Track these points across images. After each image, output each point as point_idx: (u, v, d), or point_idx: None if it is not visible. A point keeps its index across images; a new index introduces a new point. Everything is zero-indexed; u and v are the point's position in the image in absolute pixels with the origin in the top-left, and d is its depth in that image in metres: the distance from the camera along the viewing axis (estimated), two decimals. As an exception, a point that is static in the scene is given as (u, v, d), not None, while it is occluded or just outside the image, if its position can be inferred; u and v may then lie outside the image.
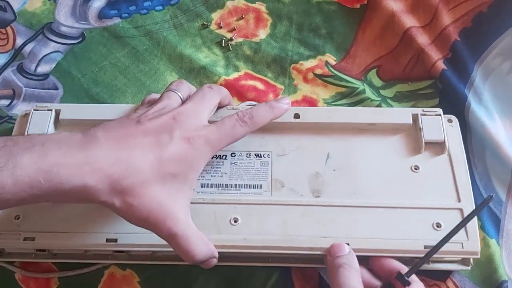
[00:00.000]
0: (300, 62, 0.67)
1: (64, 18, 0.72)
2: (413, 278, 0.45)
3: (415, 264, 0.45)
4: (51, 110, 0.56)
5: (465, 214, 0.49)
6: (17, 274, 0.54)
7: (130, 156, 0.43)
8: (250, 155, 0.54)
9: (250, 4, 0.72)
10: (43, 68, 0.68)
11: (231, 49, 0.68)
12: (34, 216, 0.50)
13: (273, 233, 0.49)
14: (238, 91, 0.64)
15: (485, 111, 0.60)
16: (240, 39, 0.69)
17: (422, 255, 0.46)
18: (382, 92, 0.64)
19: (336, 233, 0.49)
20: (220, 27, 0.71)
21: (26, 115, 0.57)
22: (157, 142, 0.44)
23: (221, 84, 0.64)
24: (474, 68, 0.64)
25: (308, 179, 0.52)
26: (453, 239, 0.44)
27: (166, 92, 0.51)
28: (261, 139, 0.55)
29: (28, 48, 0.69)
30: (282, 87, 0.65)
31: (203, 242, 0.45)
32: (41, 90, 0.66)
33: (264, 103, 0.52)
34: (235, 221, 0.50)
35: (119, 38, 0.70)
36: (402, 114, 0.55)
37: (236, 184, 0.52)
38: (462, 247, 0.47)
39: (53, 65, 0.68)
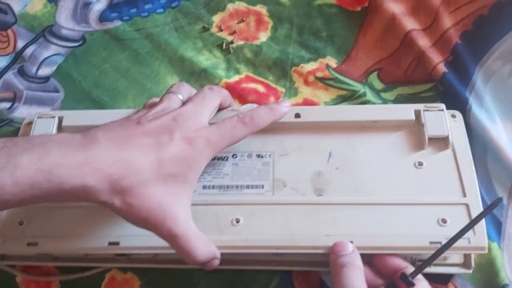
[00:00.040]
0: (301, 65, 0.67)
1: (65, 21, 0.72)
2: (418, 277, 0.45)
3: (420, 265, 0.45)
4: (54, 117, 0.56)
5: (471, 209, 0.48)
6: (18, 278, 0.54)
7: (130, 156, 0.43)
8: (251, 155, 0.54)
9: (251, 7, 0.73)
10: (44, 71, 0.68)
11: (232, 52, 0.68)
12: (38, 221, 0.51)
13: (276, 233, 0.49)
14: (239, 94, 0.64)
15: (486, 114, 0.60)
16: (241, 42, 0.69)
17: (428, 252, 0.45)
18: (383, 95, 0.64)
19: (340, 231, 0.48)
20: (221, 30, 0.71)
21: (30, 123, 0.57)
22: (157, 143, 0.44)
23: (222, 87, 0.64)
24: (475, 71, 0.64)
25: (310, 178, 0.52)
26: None
27: (166, 94, 0.51)
28: (262, 139, 0.55)
29: (29, 50, 0.70)
30: (283, 90, 0.65)
31: (205, 243, 0.45)
32: (42, 93, 0.66)
33: (265, 105, 0.52)
34: (237, 222, 0.49)
35: (120, 41, 0.70)
36: (404, 110, 0.55)
37: (237, 185, 0.52)
38: (469, 243, 0.46)
39: (54, 68, 0.68)
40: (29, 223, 0.51)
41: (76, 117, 0.57)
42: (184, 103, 0.50)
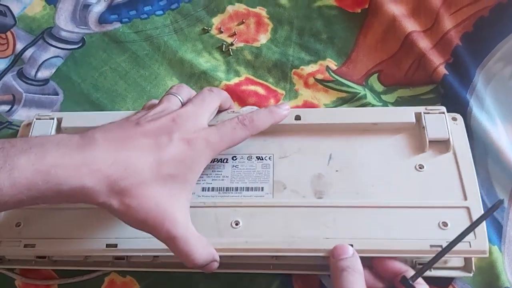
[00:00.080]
0: (301, 67, 0.66)
1: (64, 23, 0.72)
2: (418, 280, 0.45)
3: (420, 268, 0.45)
4: (53, 119, 0.56)
5: (472, 212, 0.48)
6: (17, 281, 0.54)
7: (129, 157, 0.42)
8: (251, 158, 0.54)
9: (250, 9, 0.72)
10: (43, 73, 0.68)
11: (231, 54, 0.68)
12: (35, 223, 0.50)
13: (275, 236, 0.48)
14: (239, 96, 0.64)
15: (487, 116, 0.60)
16: (241, 44, 0.69)
17: (428, 255, 0.45)
18: (383, 97, 0.64)
19: (340, 234, 0.48)
20: (221, 32, 0.71)
21: (29, 124, 0.57)
22: (156, 144, 0.44)
23: (222, 89, 0.64)
24: (476, 73, 0.63)
25: (310, 181, 0.52)
26: None
27: (166, 96, 0.51)
28: (262, 141, 0.54)
29: (28, 53, 0.69)
30: (283, 92, 0.65)
31: (204, 245, 0.44)
32: (41, 96, 0.66)
33: (264, 108, 0.52)
34: (237, 224, 0.49)
35: (119, 43, 0.70)
36: (405, 113, 0.54)
37: (237, 187, 0.52)
38: (470, 246, 0.46)
39: (53, 70, 0.68)
40: (27, 224, 0.50)
41: (75, 118, 0.57)
42: (183, 104, 0.50)
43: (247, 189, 0.52)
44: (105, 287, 0.53)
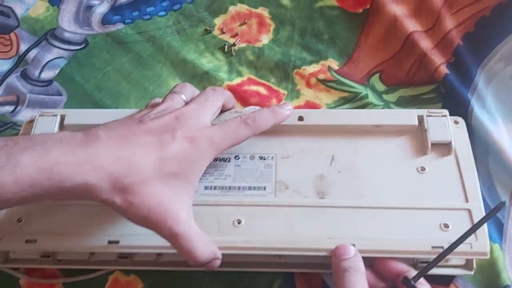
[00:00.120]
0: (303, 67, 0.67)
1: (68, 24, 0.72)
2: (420, 281, 0.45)
3: (422, 268, 0.45)
4: (56, 115, 0.56)
5: (473, 215, 0.48)
6: (21, 280, 0.54)
7: (132, 154, 0.42)
8: (254, 157, 0.54)
9: (252, 10, 0.73)
10: (47, 74, 0.68)
11: (234, 54, 0.69)
12: (37, 219, 0.50)
13: (277, 234, 0.48)
14: (241, 96, 0.64)
15: (488, 116, 0.60)
16: (243, 44, 0.69)
17: (430, 256, 0.45)
18: (385, 96, 0.64)
19: (342, 234, 0.48)
20: (223, 33, 0.71)
21: (32, 121, 0.57)
22: (159, 142, 0.44)
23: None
24: (477, 73, 0.64)
25: (312, 181, 0.52)
26: None
27: (169, 94, 0.51)
28: (265, 142, 0.55)
29: (31, 54, 0.70)
30: (285, 92, 0.65)
31: (206, 243, 0.44)
32: (45, 96, 0.66)
33: (267, 108, 0.52)
34: (239, 223, 0.49)
35: (122, 44, 0.70)
36: (407, 115, 0.55)
37: (239, 186, 0.52)
38: (471, 248, 0.46)
39: (57, 71, 0.68)
40: (28, 220, 0.50)
41: (78, 115, 0.57)
42: (187, 103, 0.50)
43: (250, 188, 0.52)
44: (109, 285, 0.54)
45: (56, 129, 0.56)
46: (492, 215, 0.44)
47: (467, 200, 0.50)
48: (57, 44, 0.70)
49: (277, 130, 0.53)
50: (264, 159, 0.54)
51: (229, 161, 0.54)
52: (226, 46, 0.69)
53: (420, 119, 0.54)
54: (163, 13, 0.73)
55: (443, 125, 0.53)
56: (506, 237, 0.54)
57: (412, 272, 0.46)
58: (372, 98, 0.63)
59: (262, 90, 0.65)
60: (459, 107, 0.60)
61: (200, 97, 0.50)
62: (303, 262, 0.52)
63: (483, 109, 0.61)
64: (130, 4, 0.74)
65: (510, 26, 0.66)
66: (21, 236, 0.49)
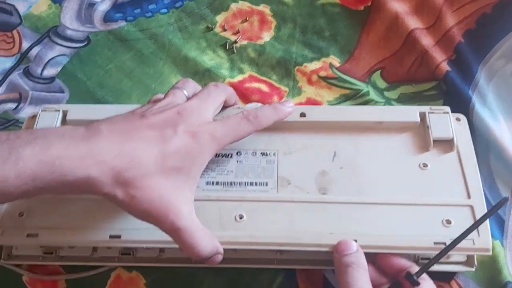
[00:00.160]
0: (304, 64, 0.67)
1: (70, 22, 0.72)
2: (423, 276, 0.45)
3: (425, 264, 0.45)
4: (58, 111, 0.56)
5: (476, 211, 0.48)
6: (24, 277, 0.54)
7: (134, 149, 0.42)
8: (256, 153, 0.54)
9: (254, 7, 0.73)
10: (49, 72, 0.68)
11: (235, 51, 0.69)
12: (38, 213, 0.50)
13: (279, 230, 0.48)
14: (242, 94, 0.64)
15: (490, 113, 0.61)
16: (245, 42, 0.70)
17: (432, 252, 0.45)
18: (386, 93, 0.64)
19: (344, 229, 0.48)
20: (225, 30, 0.71)
21: (34, 116, 0.57)
22: (161, 136, 0.44)
23: (226, 85, 0.64)
24: (478, 70, 0.64)
25: (314, 177, 0.52)
26: None
27: (171, 90, 0.51)
28: (267, 138, 0.55)
29: (34, 51, 0.70)
30: (287, 89, 0.65)
31: (208, 238, 0.44)
32: (47, 93, 0.66)
33: (269, 104, 0.52)
34: (241, 218, 0.49)
35: (124, 41, 0.71)
36: (409, 112, 0.55)
37: (241, 182, 0.52)
38: (473, 244, 0.46)
39: (59, 69, 0.68)
40: (30, 214, 0.50)
41: (80, 111, 0.57)
42: (189, 99, 0.50)
43: (252, 184, 0.52)
44: (111, 282, 0.54)
45: (58, 124, 0.55)
46: (495, 210, 0.44)
47: (469, 197, 0.50)
48: (59, 41, 0.71)
49: (279, 127, 0.53)
50: (266, 155, 0.54)
51: (231, 157, 0.54)
52: (227, 44, 0.69)
53: (422, 116, 0.54)
54: (165, 10, 0.73)
55: (445, 121, 0.53)
56: (507, 234, 0.54)
57: (415, 268, 0.46)
58: (373, 95, 0.63)
59: (264, 87, 0.65)
60: (460, 104, 0.60)
61: (202, 93, 0.50)
62: (305, 258, 0.52)
63: (484, 106, 0.61)
64: (132, 1, 0.74)
65: (511, 23, 0.66)
66: (22, 230, 0.49)
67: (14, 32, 0.72)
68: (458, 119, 0.55)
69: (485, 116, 0.60)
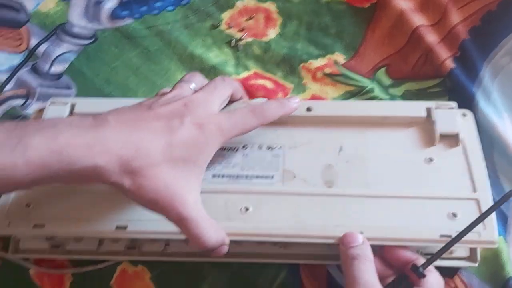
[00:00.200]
0: (310, 61, 0.67)
1: (77, 19, 0.73)
2: (429, 268, 0.45)
3: (431, 256, 0.45)
4: (66, 104, 0.57)
5: (482, 205, 0.48)
6: (31, 270, 0.55)
7: (140, 139, 0.43)
8: (261, 147, 0.54)
9: (260, 4, 0.73)
10: (57, 68, 0.69)
11: (241, 48, 0.69)
12: (45, 204, 0.51)
13: (285, 222, 0.49)
14: (247, 90, 0.64)
15: (494, 110, 0.61)
16: (250, 39, 0.70)
17: (437, 244, 0.45)
18: (391, 90, 0.64)
19: (349, 222, 0.48)
20: (230, 27, 0.71)
21: (42, 110, 0.57)
22: (167, 127, 0.44)
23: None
24: (483, 67, 0.64)
25: (320, 170, 0.52)
26: None
27: (178, 83, 0.51)
28: (273, 132, 0.55)
29: (42, 48, 0.71)
30: (292, 86, 0.66)
31: (214, 228, 0.44)
32: (54, 90, 0.67)
33: (275, 99, 0.52)
34: (246, 210, 0.49)
35: (131, 38, 0.71)
36: (415, 107, 0.55)
37: (247, 175, 0.52)
38: (479, 237, 0.46)
39: (66, 65, 0.69)
40: (37, 205, 0.51)
41: (88, 104, 0.57)
42: (196, 92, 0.50)
43: (257, 176, 0.52)
44: (117, 276, 0.54)
45: None
46: (502, 202, 0.44)
47: (475, 190, 0.50)
48: (67, 38, 0.71)
49: (285, 121, 0.54)
50: (272, 149, 0.54)
51: (237, 150, 0.54)
52: (233, 41, 0.70)
53: (428, 111, 0.54)
54: (171, 8, 0.74)
55: (451, 117, 0.54)
56: (511, 229, 0.54)
57: (421, 260, 0.46)
58: (378, 92, 0.63)
59: (269, 84, 0.66)
60: (464, 101, 0.60)
61: (209, 86, 0.50)
62: (309, 253, 0.52)
63: (489, 103, 0.61)
64: (138, -1, 0.74)
65: (517, 21, 0.66)
66: (29, 221, 0.50)
67: (23, 29, 0.73)
68: (464, 115, 0.55)
69: (489, 113, 0.60)
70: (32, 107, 0.66)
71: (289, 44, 0.69)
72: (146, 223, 0.48)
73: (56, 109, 0.57)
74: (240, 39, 0.70)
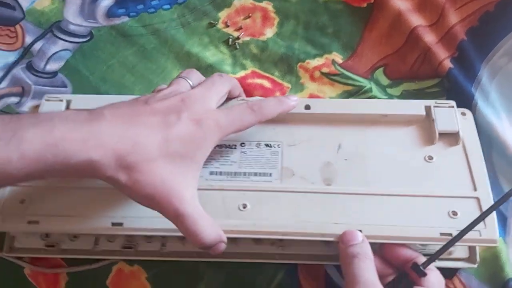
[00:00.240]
0: (307, 60, 0.67)
1: (73, 17, 0.72)
2: (429, 266, 0.45)
3: (432, 255, 0.45)
4: (61, 100, 0.56)
5: (482, 203, 0.48)
6: (26, 269, 0.54)
7: (137, 134, 0.42)
8: (260, 145, 0.54)
9: (257, 3, 0.73)
10: (52, 66, 0.68)
11: (238, 47, 0.69)
12: (40, 201, 0.50)
13: (283, 219, 0.48)
14: (245, 90, 0.63)
15: (492, 110, 0.61)
16: (247, 38, 0.70)
17: (438, 243, 0.45)
18: (388, 90, 0.64)
19: (348, 220, 0.48)
20: (227, 26, 0.71)
21: (37, 106, 0.57)
22: (164, 122, 0.44)
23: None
24: (481, 67, 0.64)
25: (319, 168, 0.52)
26: None
27: (176, 79, 0.51)
28: (271, 130, 0.55)
29: (37, 46, 0.70)
30: (289, 85, 0.65)
31: (211, 225, 0.44)
32: (49, 88, 0.66)
33: (273, 97, 0.52)
34: (244, 207, 0.49)
35: (127, 36, 0.70)
36: (414, 105, 0.55)
37: (245, 172, 0.52)
38: (480, 235, 0.46)
39: (62, 63, 0.68)
40: (31, 202, 0.50)
41: (84, 100, 0.57)
42: (193, 88, 0.50)
43: (255, 174, 0.52)
44: (113, 275, 0.54)
45: None
46: (504, 201, 0.44)
47: (475, 189, 0.49)
48: (62, 36, 0.71)
49: (283, 119, 0.53)
50: (270, 147, 0.54)
51: (235, 148, 0.54)
52: (230, 40, 0.69)
53: (428, 109, 0.54)
54: (168, 6, 0.73)
55: (451, 115, 0.54)
56: (510, 230, 0.54)
57: (421, 258, 0.45)
58: (376, 92, 0.63)
59: (266, 83, 0.65)
60: (463, 101, 0.60)
61: (207, 82, 0.50)
62: (307, 253, 0.52)
63: (487, 104, 0.61)
64: (134, -3, 0.74)
65: (514, 22, 0.66)
66: (23, 217, 0.49)
67: (17, 26, 0.72)
68: (463, 114, 0.55)
69: (488, 113, 0.60)
70: (27, 105, 0.65)
71: (286, 43, 0.69)
72: (142, 220, 0.48)
73: (52, 105, 0.56)
74: (237, 38, 0.69)
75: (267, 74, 0.66)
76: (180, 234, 0.43)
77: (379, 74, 0.66)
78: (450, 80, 0.63)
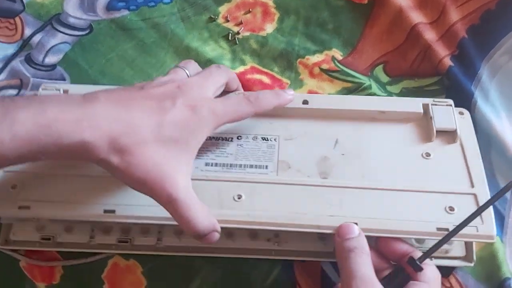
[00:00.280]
0: (307, 56, 0.67)
1: (73, 10, 0.72)
2: (426, 261, 0.44)
3: (428, 249, 0.44)
4: (59, 90, 0.56)
5: (479, 199, 0.48)
6: (21, 262, 0.54)
7: (131, 117, 0.42)
8: (256, 138, 0.54)
9: (257, -2, 0.73)
10: (51, 59, 0.68)
11: (237, 42, 0.69)
12: (32, 186, 0.50)
13: (278, 210, 0.48)
14: (244, 85, 0.63)
15: (492, 109, 0.60)
16: (247, 33, 0.69)
17: (434, 238, 0.45)
18: (388, 88, 0.64)
19: (345, 212, 0.48)
20: (227, 21, 0.71)
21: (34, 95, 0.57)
22: (159, 107, 0.43)
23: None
24: (481, 65, 0.64)
25: (315, 162, 0.52)
26: None
27: (173, 68, 0.50)
28: (268, 123, 0.54)
29: (36, 38, 0.70)
30: (288, 81, 0.65)
31: (205, 213, 0.43)
32: (48, 81, 0.66)
33: (270, 90, 0.52)
34: (239, 198, 0.49)
35: (126, 30, 0.70)
36: (412, 103, 0.55)
37: (241, 164, 0.52)
38: (477, 231, 0.46)
39: (61, 56, 0.68)
40: (23, 187, 0.50)
41: (81, 90, 0.56)
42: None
43: (251, 166, 0.52)
44: (108, 269, 0.54)
45: None
46: (502, 195, 0.44)
47: (472, 186, 0.49)
48: (62, 29, 0.70)
49: (280, 113, 0.53)
50: (267, 140, 0.53)
51: (231, 140, 0.54)
52: (230, 35, 0.69)
53: (425, 107, 0.54)
54: (168, 0, 0.73)
55: (448, 113, 0.53)
56: (507, 230, 0.54)
57: (417, 253, 0.45)
58: (375, 89, 0.63)
59: (265, 79, 0.65)
60: (462, 100, 0.60)
61: (204, 72, 0.50)
62: (302, 250, 0.52)
63: (487, 102, 0.61)
64: (135, -10, 0.74)
65: (516, 20, 0.66)
66: (14, 202, 0.49)
67: (17, 19, 0.72)
68: (461, 113, 0.55)
69: (487, 112, 0.60)
70: (25, 98, 0.65)
71: (286, 39, 0.69)
72: (135, 208, 0.48)
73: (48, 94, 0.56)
74: (237, 33, 0.69)
75: (266, 70, 0.66)
76: (173, 223, 0.43)
77: (379, 71, 0.65)
78: (450, 78, 0.63)
